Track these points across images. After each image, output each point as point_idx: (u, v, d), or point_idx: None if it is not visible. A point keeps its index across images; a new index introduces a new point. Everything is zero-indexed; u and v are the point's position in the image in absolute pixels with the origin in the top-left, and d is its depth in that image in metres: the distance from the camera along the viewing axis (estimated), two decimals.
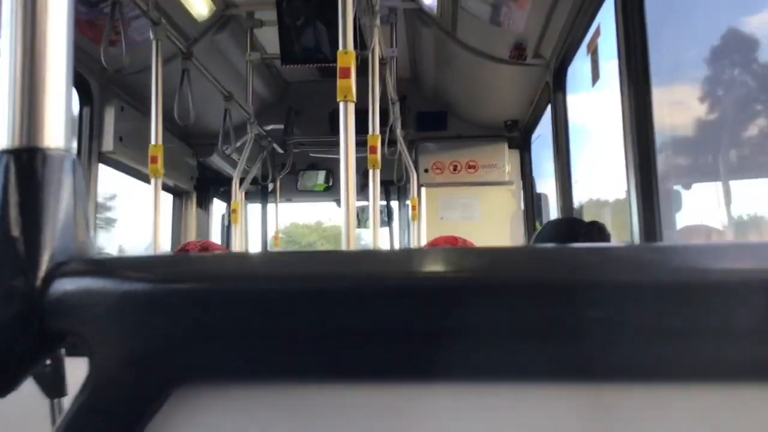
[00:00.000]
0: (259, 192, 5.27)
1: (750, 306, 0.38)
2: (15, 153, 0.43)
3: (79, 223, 0.45)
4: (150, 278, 0.41)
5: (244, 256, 0.56)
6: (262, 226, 5.39)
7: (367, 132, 2.64)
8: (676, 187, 2.40)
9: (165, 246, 4.62)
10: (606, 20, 2.66)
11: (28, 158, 0.43)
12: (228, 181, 4.57)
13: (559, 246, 0.44)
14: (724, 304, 0.38)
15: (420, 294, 0.40)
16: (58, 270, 0.42)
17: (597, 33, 2.79)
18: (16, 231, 0.42)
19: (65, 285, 0.42)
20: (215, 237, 5.56)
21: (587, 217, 4.00)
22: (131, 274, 0.41)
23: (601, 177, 4.54)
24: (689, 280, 0.39)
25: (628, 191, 2.26)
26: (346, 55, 1.99)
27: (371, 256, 0.48)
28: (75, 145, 3.54)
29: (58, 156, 0.44)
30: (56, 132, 0.44)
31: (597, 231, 1.95)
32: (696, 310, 0.39)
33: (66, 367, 0.88)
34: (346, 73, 1.97)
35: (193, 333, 0.40)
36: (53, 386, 1.53)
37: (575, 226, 2.04)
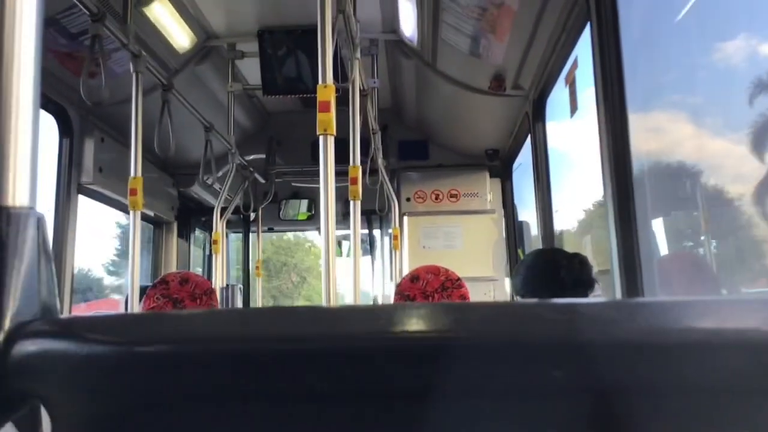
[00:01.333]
0: (241, 221, 5.25)
1: (719, 363, 0.38)
2: None
3: (43, 283, 0.44)
4: (112, 340, 0.41)
5: (210, 316, 0.55)
6: (243, 256, 5.37)
7: (348, 162, 2.64)
8: (656, 214, 2.42)
9: (144, 278, 4.59)
10: (583, 52, 2.71)
11: None
12: (209, 210, 4.55)
13: (535, 303, 0.44)
14: (692, 362, 0.38)
15: (395, 354, 0.39)
16: (20, 330, 0.42)
17: (575, 65, 2.83)
18: None
19: (28, 346, 0.41)
20: (196, 267, 5.52)
21: (567, 244, 4.02)
22: (94, 336, 0.41)
23: (582, 204, 4.57)
24: (657, 338, 0.39)
25: (607, 219, 2.27)
26: (326, 89, 2.00)
27: (344, 313, 0.48)
28: (54, 175, 3.52)
29: (22, 214, 0.44)
30: (21, 190, 0.44)
31: (579, 263, 1.95)
32: (666, 368, 0.38)
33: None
34: (325, 107, 1.98)
35: (155, 395, 0.40)
36: (30, 428, 1.50)
37: (557, 257, 2.04)
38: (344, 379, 0.40)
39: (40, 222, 0.45)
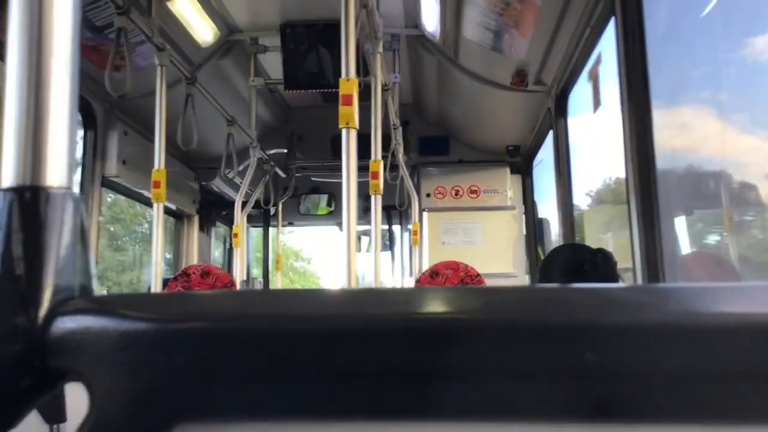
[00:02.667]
0: (261, 215, 5.28)
1: (746, 349, 0.38)
2: (18, 191, 0.44)
3: (80, 261, 0.45)
4: (151, 317, 0.41)
5: (245, 295, 0.56)
6: (263, 249, 5.40)
7: (369, 157, 2.65)
8: (679, 213, 2.40)
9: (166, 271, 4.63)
10: (607, 48, 2.69)
11: (32, 197, 0.44)
12: (230, 204, 4.59)
13: (557, 287, 0.44)
14: (720, 347, 0.38)
15: (419, 334, 0.40)
16: (59, 308, 0.43)
17: (598, 60, 2.81)
18: (18, 269, 0.42)
19: (67, 323, 0.42)
20: (216, 260, 5.57)
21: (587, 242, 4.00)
22: (132, 313, 0.42)
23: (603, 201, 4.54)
24: (685, 322, 0.39)
25: (629, 216, 2.26)
26: (349, 83, 2.01)
27: (371, 295, 0.48)
28: (78, 168, 3.56)
29: (60, 194, 0.45)
30: (59, 170, 0.45)
31: (602, 258, 1.95)
32: (692, 353, 0.38)
33: (66, 393, 0.87)
34: (348, 101, 1.99)
35: (193, 371, 0.41)
36: (53, 412, 1.52)
37: (580, 253, 2.04)
38: (374, 358, 0.40)
39: (76, 202, 0.46)
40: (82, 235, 0.46)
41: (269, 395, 0.40)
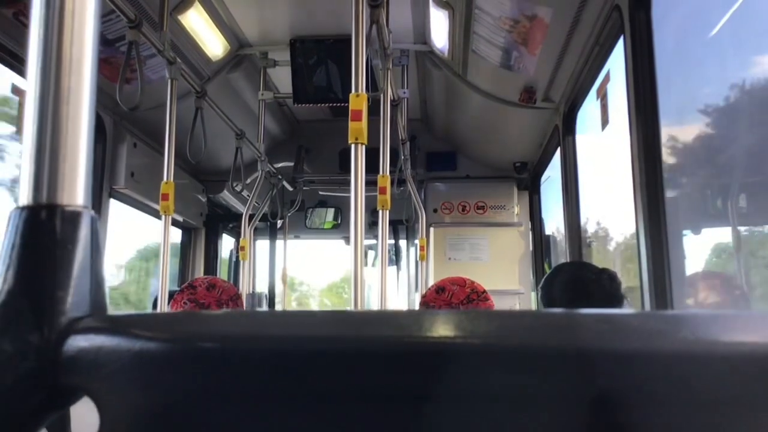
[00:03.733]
0: (268, 229, 5.29)
1: (757, 377, 0.38)
2: (34, 209, 0.44)
3: (94, 280, 0.45)
4: (163, 337, 0.41)
5: (256, 315, 0.56)
6: (270, 263, 5.40)
7: (377, 171, 2.65)
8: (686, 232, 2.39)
9: (172, 283, 4.63)
10: (615, 66, 2.69)
11: (48, 215, 0.44)
12: (237, 217, 4.60)
13: (566, 312, 0.44)
14: (734, 375, 0.38)
15: (428, 358, 0.40)
16: (73, 326, 0.43)
17: (606, 78, 2.81)
18: (33, 287, 0.43)
19: (80, 341, 0.42)
20: (223, 273, 5.56)
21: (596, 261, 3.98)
22: (145, 333, 0.42)
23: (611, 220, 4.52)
24: (698, 350, 0.39)
25: (637, 236, 2.25)
26: (358, 98, 2.01)
27: (381, 317, 0.48)
28: None
29: (76, 213, 0.45)
30: (76, 189, 0.45)
31: (607, 278, 1.93)
32: (705, 380, 0.38)
33: (71, 409, 0.87)
34: (357, 116, 1.99)
35: (204, 391, 0.41)
36: (57, 428, 1.52)
37: (585, 272, 2.03)
38: (384, 381, 0.40)
39: (93, 221, 0.46)
40: (96, 254, 0.46)
41: (280, 415, 0.40)
